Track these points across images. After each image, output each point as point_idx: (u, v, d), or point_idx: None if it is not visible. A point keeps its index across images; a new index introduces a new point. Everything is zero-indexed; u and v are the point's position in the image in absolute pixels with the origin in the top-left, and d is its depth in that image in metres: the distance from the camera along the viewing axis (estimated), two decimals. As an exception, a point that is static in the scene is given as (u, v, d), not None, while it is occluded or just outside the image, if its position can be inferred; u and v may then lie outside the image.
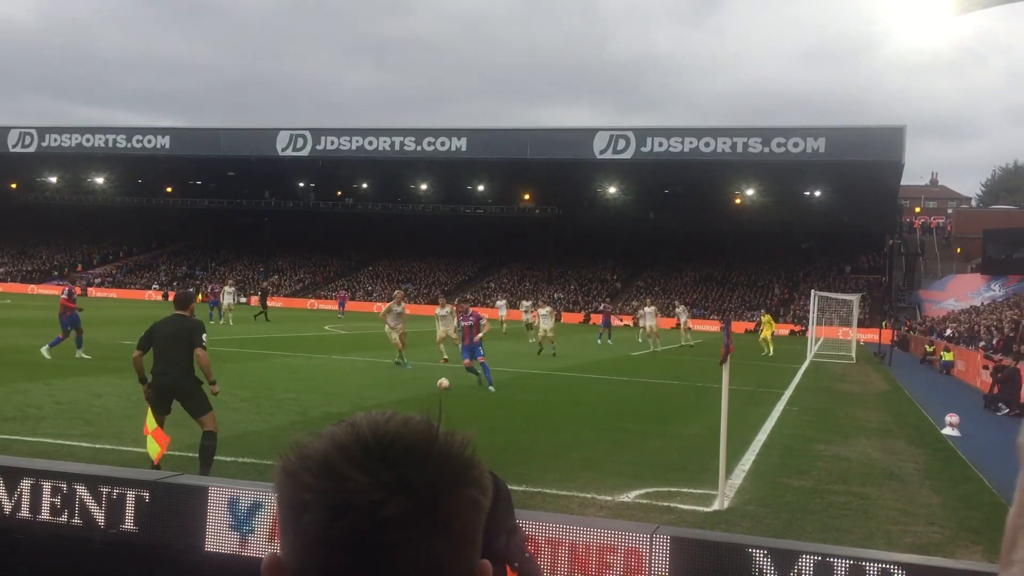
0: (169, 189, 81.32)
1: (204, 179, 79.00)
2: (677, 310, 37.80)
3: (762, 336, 34.60)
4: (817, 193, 66.79)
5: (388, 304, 22.19)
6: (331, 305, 59.42)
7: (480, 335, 17.24)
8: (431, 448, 0.87)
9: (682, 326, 37.17)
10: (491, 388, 16.53)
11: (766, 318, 36.33)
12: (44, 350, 18.27)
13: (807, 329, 39.95)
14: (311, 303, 66.78)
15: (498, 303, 41.26)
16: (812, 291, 36.99)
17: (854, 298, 39.48)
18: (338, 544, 0.82)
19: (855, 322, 37.77)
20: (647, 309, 34.26)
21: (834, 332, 41.44)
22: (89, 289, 68.63)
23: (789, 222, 68.63)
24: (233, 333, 28.32)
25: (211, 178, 77.78)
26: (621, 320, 42.26)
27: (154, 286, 72.78)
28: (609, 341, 35.57)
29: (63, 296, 19.32)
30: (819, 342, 36.13)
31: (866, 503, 8.81)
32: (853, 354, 34.10)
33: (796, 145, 55.93)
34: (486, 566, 0.91)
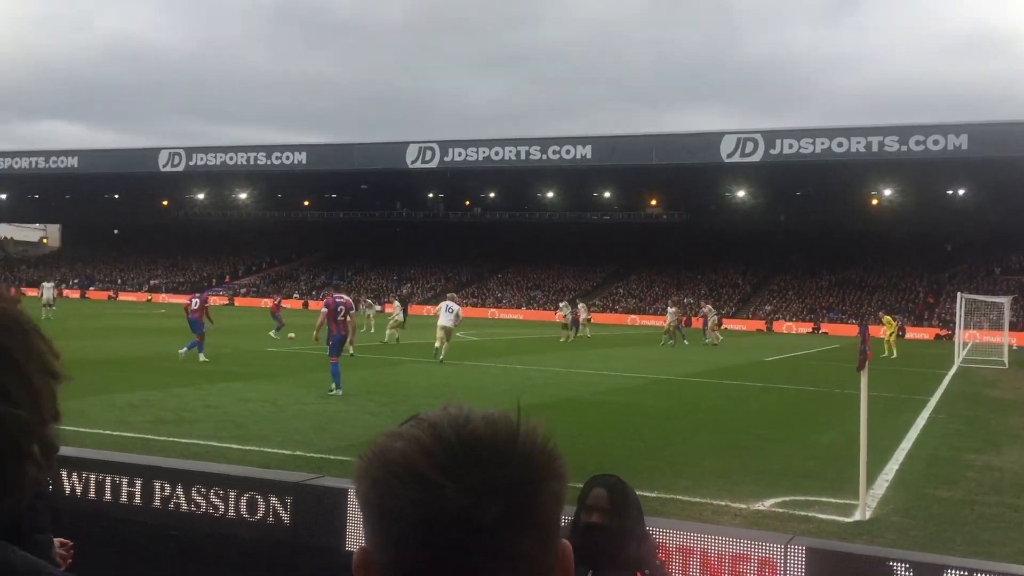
0: (306, 203, 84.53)
1: (339, 192, 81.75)
2: (704, 310, 40.87)
3: (885, 339, 33.38)
4: (961, 192, 63.54)
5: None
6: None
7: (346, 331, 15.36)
8: (515, 445, 0.85)
9: (708, 325, 38.90)
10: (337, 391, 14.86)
11: (887, 319, 35.06)
12: (201, 357, 19.97)
13: (954, 333, 38.09)
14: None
15: (560, 304, 41.70)
16: (958, 294, 35.23)
17: (1005, 300, 37.42)
18: (431, 550, 0.81)
19: (1007, 325, 35.74)
20: (706, 309, 40.51)
21: (984, 336, 39.35)
22: (235, 299, 72.30)
23: (931, 222, 65.58)
24: (373, 339, 29.19)
25: (345, 191, 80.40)
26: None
27: (295, 295, 75.66)
28: (686, 341, 37.17)
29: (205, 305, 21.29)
30: (967, 347, 34.38)
31: (1020, 515, 8.36)
32: (1005, 359, 32.27)
33: (936, 143, 53.34)
34: (566, 547, 0.89)
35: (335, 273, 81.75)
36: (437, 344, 22.42)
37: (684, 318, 45.26)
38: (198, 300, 21.31)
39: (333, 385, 14.86)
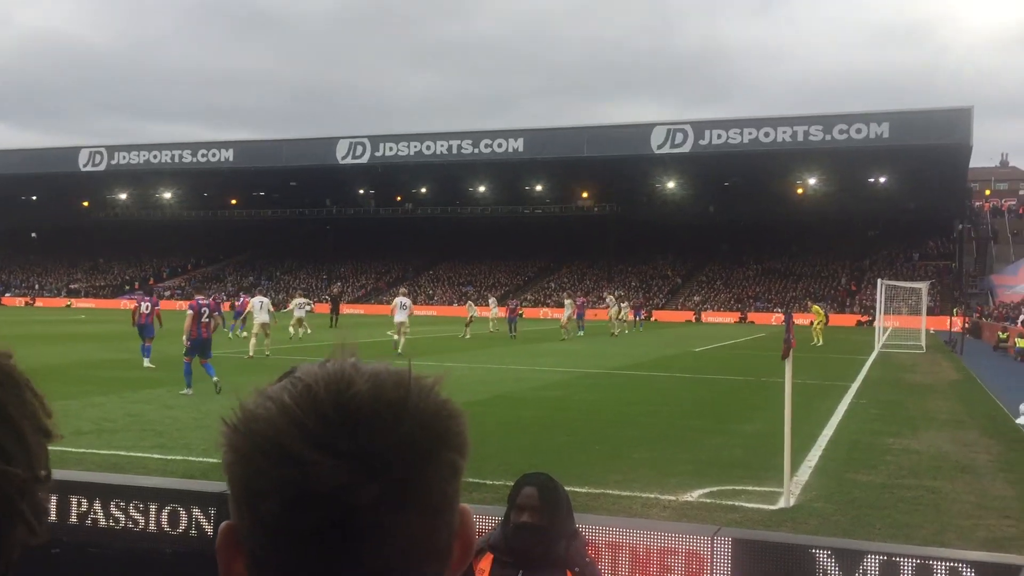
0: (234, 201, 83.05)
1: (267, 190, 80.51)
2: (607, 300, 42.45)
3: (813, 327, 34.62)
4: (882, 179, 65.38)
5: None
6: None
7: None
8: (403, 411, 0.73)
9: (612, 316, 40.11)
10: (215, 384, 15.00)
11: (815, 308, 36.33)
12: (146, 362, 19.22)
13: (874, 319, 39.19)
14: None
15: (490, 301, 42.26)
16: (879, 280, 36.24)
17: (923, 286, 38.57)
18: (301, 533, 0.71)
19: (924, 310, 36.89)
20: (609, 299, 42.21)
21: (903, 321, 40.56)
22: (161, 302, 70.50)
23: (854, 210, 67.36)
24: (302, 341, 28.79)
25: (274, 189, 79.22)
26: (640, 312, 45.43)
27: (221, 297, 74.36)
28: (580, 332, 37.53)
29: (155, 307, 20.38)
30: (887, 332, 35.38)
31: (937, 497, 8.62)
32: (923, 343, 33.29)
33: (859, 131, 54.81)
34: (465, 514, 0.79)
35: (263, 273, 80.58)
36: (396, 338, 24.71)
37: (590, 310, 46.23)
38: (149, 303, 20.53)
39: (186, 387, 14.97)
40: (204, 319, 15.61)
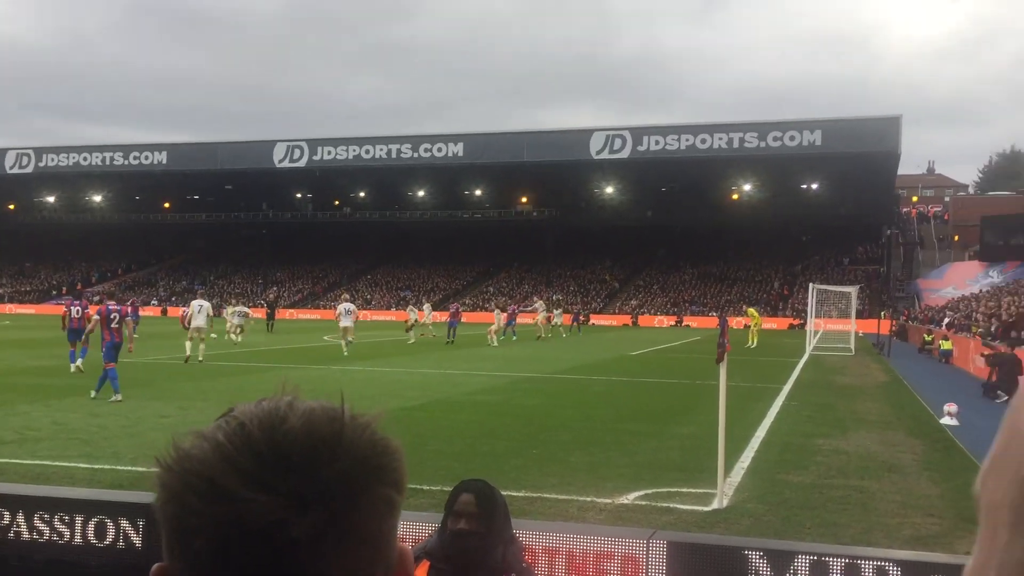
0: (167, 205, 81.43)
1: (201, 193, 79.12)
2: (535, 304, 42.94)
3: (751, 329, 35.73)
4: (814, 186, 66.87)
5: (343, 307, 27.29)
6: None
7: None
8: (337, 447, 0.73)
9: (539, 321, 40.32)
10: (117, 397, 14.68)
11: (751, 311, 37.47)
12: (79, 364, 18.64)
13: (806, 323, 40.05)
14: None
15: (424, 306, 43.32)
16: (810, 284, 37.04)
17: (852, 290, 39.49)
18: (234, 572, 0.71)
19: (854, 314, 37.81)
20: (538, 304, 42.60)
21: (833, 324, 41.51)
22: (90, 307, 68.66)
23: (787, 216, 68.74)
24: (237, 347, 28.31)
25: (209, 192, 77.88)
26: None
27: (153, 302, 72.78)
28: (514, 337, 37.74)
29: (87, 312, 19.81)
30: (818, 335, 36.15)
31: (865, 496, 8.83)
32: (852, 346, 34.09)
33: (792, 138, 56.00)
34: (404, 553, 0.79)
35: (197, 278, 79.12)
36: (342, 341, 26.15)
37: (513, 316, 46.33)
38: (79, 307, 20.04)
39: (114, 393, 14.70)
40: (114, 324, 15.54)
